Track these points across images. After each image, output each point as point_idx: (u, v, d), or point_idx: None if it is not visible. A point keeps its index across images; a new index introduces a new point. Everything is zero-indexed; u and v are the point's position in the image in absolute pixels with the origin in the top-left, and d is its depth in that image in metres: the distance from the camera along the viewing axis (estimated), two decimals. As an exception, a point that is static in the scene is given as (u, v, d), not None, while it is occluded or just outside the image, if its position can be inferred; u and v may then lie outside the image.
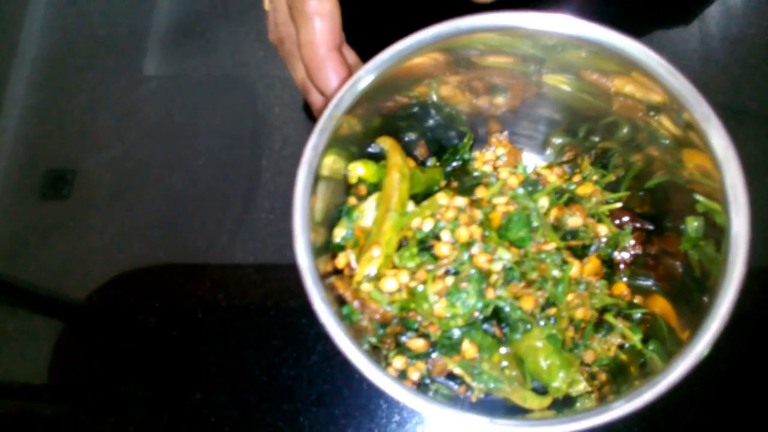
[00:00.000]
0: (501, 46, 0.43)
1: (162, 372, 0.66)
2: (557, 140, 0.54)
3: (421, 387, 0.44)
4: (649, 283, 0.49)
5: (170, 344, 0.66)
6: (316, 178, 0.41)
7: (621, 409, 0.35)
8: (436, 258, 0.42)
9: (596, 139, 0.51)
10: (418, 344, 0.43)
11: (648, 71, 0.39)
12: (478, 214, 0.43)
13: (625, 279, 0.50)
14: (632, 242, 0.48)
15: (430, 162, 0.56)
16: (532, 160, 0.56)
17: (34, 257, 0.70)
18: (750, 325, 0.64)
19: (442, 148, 0.56)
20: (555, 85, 0.47)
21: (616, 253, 0.50)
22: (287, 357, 0.65)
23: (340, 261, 0.44)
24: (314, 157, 0.39)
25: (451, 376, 0.45)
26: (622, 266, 0.50)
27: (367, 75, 0.40)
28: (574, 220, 0.46)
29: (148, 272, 0.69)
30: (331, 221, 0.46)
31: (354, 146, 0.47)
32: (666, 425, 0.61)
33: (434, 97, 0.50)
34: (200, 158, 0.71)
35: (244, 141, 0.71)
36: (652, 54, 0.38)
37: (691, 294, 0.42)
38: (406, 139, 0.54)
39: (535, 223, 0.43)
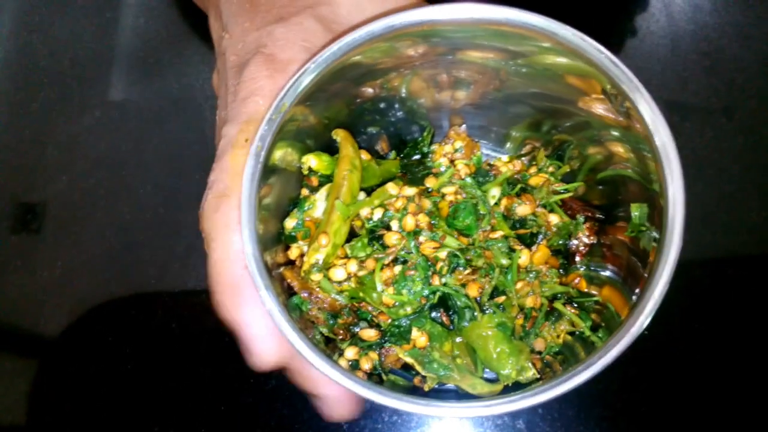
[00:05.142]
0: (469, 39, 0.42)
1: (118, 406, 0.63)
2: (517, 134, 0.55)
3: (373, 377, 0.44)
4: (606, 273, 0.49)
5: (125, 377, 0.64)
6: (268, 169, 0.40)
7: (559, 388, 0.36)
8: (385, 247, 0.43)
9: (556, 132, 0.51)
10: (370, 334, 0.43)
11: (590, 59, 0.39)
12: (427, 203, 0.44)
13: (582, 269, 0.50)
14: (586, 233, 0.48)
15: (390, 156, 0.56)
16: (492, 154, 0.56)
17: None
18: (704, 315, 0.64)
19: (403, 142, 0.56)
20: (520, 81, 0.47)
21: (572, 243, 0.50)
22: (244, 384, 0.63)
23: (293, 252, 0.44)
24: (262, 147, 0.39)
25: (405, 368, 0.45)
26: (578, 257, 0.50)
27: (309, 73, 0.39)
28: (523, 209, 0.46)
29: (99, 306, 0.67)
30: (284, 213, 0.46)
31: (311, 139, 0.47)
32: (626, 425, 0.61)
33: (397, 90, 0.50)
34: (147, 186, 0.70)
35: (191, 165, 0.70)
36: (593, 42, 0.38)
37: (640, 280, 0.41)
38: (369, 133, 0.54)
39: (482, 212, 0.44)
